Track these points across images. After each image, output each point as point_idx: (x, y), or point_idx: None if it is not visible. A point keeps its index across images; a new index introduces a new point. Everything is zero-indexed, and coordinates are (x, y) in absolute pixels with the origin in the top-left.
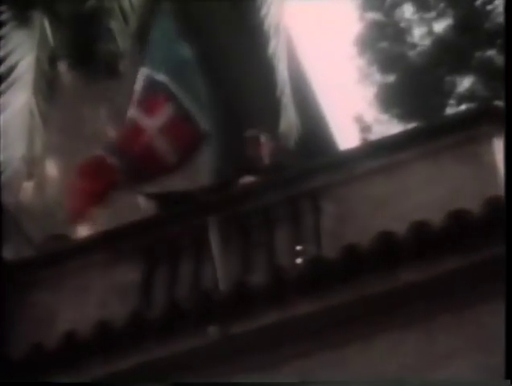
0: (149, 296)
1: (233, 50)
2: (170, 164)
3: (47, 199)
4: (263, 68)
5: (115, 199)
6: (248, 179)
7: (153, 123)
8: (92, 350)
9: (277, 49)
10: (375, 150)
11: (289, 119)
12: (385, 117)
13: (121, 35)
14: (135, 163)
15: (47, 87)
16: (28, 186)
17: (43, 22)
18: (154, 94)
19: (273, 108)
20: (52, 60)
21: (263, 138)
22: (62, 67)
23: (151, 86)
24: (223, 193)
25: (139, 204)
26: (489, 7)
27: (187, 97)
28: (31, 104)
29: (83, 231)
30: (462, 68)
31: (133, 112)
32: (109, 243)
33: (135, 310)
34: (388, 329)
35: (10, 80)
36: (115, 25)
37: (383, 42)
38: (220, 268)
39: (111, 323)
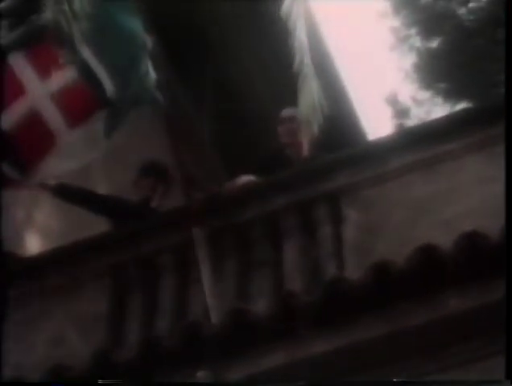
0: (119, 331)
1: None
2: (57, 134)
3: None
4: (274, 35)
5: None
6: (247, 179)
7: (46, 87)
8: None
9: (292, 8)
10: (413, 141)
11: (311, 96)
12: (426, 94)
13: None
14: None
15: None
16: None
17: None
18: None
19: (289, 86)
20: None
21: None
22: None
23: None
24: (214, 198)
25: None
26: None
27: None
28: None
29: (34, 247)
30: None
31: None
32: (67, 262)
33: (101, 350)
34: (434, 374)
35: None
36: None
37: None
38: (212, 295)
39: (69, 367)
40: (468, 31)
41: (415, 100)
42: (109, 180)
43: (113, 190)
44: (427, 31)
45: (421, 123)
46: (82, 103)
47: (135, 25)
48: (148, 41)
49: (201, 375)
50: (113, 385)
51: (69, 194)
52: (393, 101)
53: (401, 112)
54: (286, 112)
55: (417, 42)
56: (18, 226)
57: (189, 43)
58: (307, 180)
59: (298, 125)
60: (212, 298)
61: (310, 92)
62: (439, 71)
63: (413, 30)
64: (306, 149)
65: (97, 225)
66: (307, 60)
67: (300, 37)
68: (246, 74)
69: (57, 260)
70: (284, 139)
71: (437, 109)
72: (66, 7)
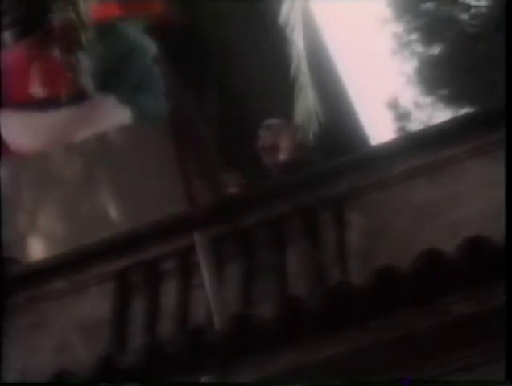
0: (122, 336)
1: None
2: None
3: None
4: (272, 42)
5: (79, 209)
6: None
7: None
8: None
9: (291, 15)
10: (416, 145)
11: (307, 104)
12: (428, 100)
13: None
14: None
15: None
16: None
17: None
18: None
19: (286, 93)
20: None
21: (284, 128)
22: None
23: None
24: (218, 202)
25: (109, 216)
26: None
27: None
28: None
29: (36, 252)
30: None
31: None
32: (70, 268)
33: (104, 356)
34: (437, 377)
35: None
36: None
37: (427, 2)
38: (215, 300)
39: (72, 373)
40: (470, 37)
41: (417, 105)
42: (111, 182)
43: (115, 193)
44: (429, 37)
45: (424, 128)
46: None
47: (137, 30)
48: (152, 46)
49: (205, 380)
50: None
51: None
52: (395, 105)
53: (402, 116)
54: (267, 123)
55: (418, 47)
56: (22, 231)
57: (190, 45)
58: (310, 185)
59: (276, 131)
60: (215, 303)
61: (305, 101)
62: (441, 76)
63: (414, 36)
64: (285, 153)
65: (100, 230)
66: (304, 68)
67: (297, 45)
68: (247, 75)
69: (60, 266)
70: (261, 143)
71: (439, 114)
72: (73, 15)
